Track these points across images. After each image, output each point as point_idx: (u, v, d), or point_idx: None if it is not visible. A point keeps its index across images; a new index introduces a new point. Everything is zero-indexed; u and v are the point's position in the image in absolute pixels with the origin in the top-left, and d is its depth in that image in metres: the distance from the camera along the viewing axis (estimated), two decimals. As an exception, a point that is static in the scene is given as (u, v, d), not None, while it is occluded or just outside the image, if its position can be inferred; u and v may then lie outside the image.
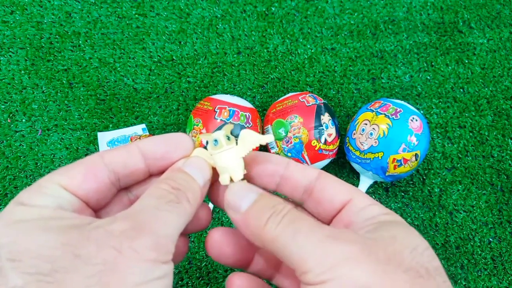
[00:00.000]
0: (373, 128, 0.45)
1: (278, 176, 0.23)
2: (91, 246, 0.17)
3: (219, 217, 0.50)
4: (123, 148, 0.22)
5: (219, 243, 0.23)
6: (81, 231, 0.17)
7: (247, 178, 0.23)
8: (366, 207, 0.21)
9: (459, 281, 0.47)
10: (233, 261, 0.23)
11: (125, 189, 0.23)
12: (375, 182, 0.51)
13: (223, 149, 0.23)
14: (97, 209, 0.22)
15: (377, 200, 0.52)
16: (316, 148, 0.46)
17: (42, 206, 0.18)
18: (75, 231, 0.17)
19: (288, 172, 0.23)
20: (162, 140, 0.22)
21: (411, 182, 0.52)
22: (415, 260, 0.18)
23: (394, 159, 0.44)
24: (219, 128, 0.45)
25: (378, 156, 0.44)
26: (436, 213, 0.50)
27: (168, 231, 0.19)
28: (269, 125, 0.48)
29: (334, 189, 0.22)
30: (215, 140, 0.23)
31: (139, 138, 0.49)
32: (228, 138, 0.23)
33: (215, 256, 0.23)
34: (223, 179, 0.23)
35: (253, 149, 0.23)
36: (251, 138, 0.23)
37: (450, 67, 0.57)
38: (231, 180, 0.23)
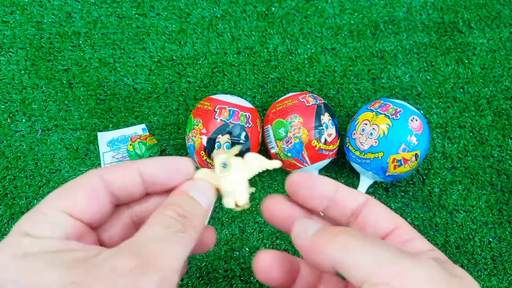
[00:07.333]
0: (373, 128, 0.45)
1: (327, 200, 0.23)
2: (99, 286, 0.16)
3: (219, 217, 0.50)
4: (123, 170, 0.21)
5: (269, 268, 0.23)
6: (88, 267, 0.17)
7: (297, 200, 0.23)
8: (412, 240, 0.21)
9: (459, 281, 0.47)
10: (277, 284, 0.24)
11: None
12: (375, 182, 0.51)
13: (229, 172, 0.23)
14: (97, 227, 0.22)
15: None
16: (316, 148, 0.46)
17: (48, 238, 0.18)
18: (83, 267, 0.17)
19: (338, 196, 0.23)
20: (163, 165, 0.22)
21: (411, 182, 0.52)
22: None
23: (394, 159, 0.44)
24: (220, 129, 0.45)
25: (378, 156, 0.44)
26: (436, 213, 0.50)
27: (174, 263, 0.18)
28: (269, 125, 0.48)
29: (380, 216, 0.22)
30: (224, 164, 0.23)
31: (139, 138, 0.49)
32: (225, 165, 0.23)
33: (263, 279, 0.23)
34: (227, 203, 0.23)
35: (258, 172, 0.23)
36: (257, 163, 0.23)
37: (450, 67, 0.57)
38: (236, 204, 0.23)
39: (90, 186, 0.20)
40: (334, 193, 0.23)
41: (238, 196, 0.23)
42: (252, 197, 0.51)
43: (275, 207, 0.23)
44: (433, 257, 0.19)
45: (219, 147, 0.45)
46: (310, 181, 0.23)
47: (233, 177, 0.23)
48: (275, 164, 0.23)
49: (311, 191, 0.23)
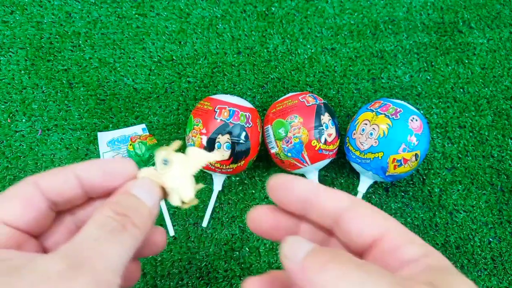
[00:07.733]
0: (373, 128, 0.45)
1: (306, 202, 0.21)
2: None
3: (219, 217, 0.50)
4: (59, 175, 0.21)
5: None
6: (20, 273, 0.17)
7: (277, 203, 0.22)
8: (402, 246, 0.19)
9: (459, 281, 0.47)
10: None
11: (67, 210, 0.23)
12: (375, 182, 0.51)
13: (170, 169, 0.22)
14: (39, 235, 0.21)
15: (377, 200, 0.52)
16: (316, 148, 0.46)
17: None
18: (14, 274, 0.17)
19: (317, 198, 0.21)
20: (101, 167, 0.22)
21: (411, 182, 0.52)
22: None
23: (394, 159, 0.44)
24: (220, 129, 0.45)
25: (378, 156, 0.44)
26: (436, 213, 0.50)
27: (110, 264, 0.18)
28: (269, 125, 0.48)
29: (365, 220, 0.20)
30: (165, 160, 0.23)
31: (139, 138, 0.49)
32: (166, 162, 0.23)
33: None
34: (173, 200, 0.22)
35: (203, 167, 0.22)
36: (199, 157, 0.23)
37: (450, 67, 0.57)
38: (182, 201, 0.22)
39: (25, 194, 0.20)
40: (314, 196, 0.21)
41: (182, 192, 0.22)
42: (252, 197, 0.51)
43: (260, 218, 0.22)
44: (428, 266, 0.18)
45: (219, 147, 0.45)
46: (287, 183, 0.22)
47: (176, 173, 0.22)
48: (217, 156, 0.23)
49: (287, 193, 0.22)
